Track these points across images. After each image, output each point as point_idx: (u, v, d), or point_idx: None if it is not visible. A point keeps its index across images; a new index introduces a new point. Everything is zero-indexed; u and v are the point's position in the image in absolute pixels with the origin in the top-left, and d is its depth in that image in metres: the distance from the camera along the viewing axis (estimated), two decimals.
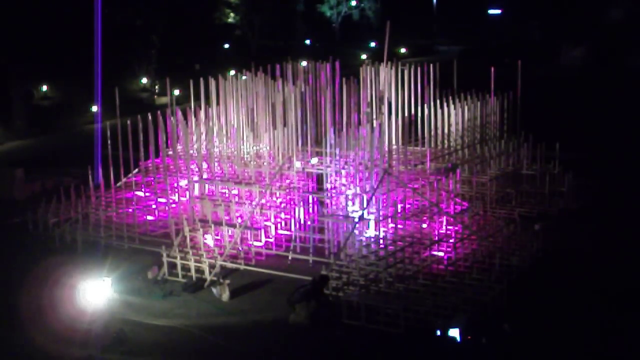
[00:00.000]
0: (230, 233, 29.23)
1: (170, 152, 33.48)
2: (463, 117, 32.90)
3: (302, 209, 30.80)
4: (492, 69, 33.21)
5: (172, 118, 33.06)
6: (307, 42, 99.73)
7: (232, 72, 36.17)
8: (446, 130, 32.90)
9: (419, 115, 33.16)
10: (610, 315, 23.77)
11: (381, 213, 28.60)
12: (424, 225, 29.49)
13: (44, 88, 64.37)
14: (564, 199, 33.77)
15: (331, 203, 30.07)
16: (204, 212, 30.34)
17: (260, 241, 29.57)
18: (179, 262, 27.71)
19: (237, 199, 30.63)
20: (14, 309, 24.96)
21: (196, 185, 31.87)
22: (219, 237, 29.58)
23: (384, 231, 28.70)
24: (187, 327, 23.85)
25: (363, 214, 28.33)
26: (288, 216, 30.79)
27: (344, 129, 31.08)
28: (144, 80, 68.59)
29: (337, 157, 30.05)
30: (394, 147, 32.03)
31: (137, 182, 33.79)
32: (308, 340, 23.00)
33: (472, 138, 33.32)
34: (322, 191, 30.65)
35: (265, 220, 30.19)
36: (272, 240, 29.90)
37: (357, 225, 28.09)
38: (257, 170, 31.10)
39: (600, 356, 21.87)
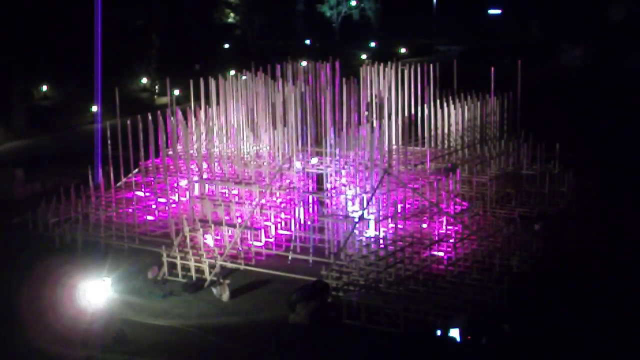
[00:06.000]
0: (230, 233, 29.22)
1: (170, 152, 33.48)
2: (463, 117, 32.90)
3: (302, 209, 30.79)
4: (492, 69, 33.20)
5: (172, 118, 33.06)
6: (307, 42, 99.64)
7: (232, 72, 36.18)
8: (446, 130, 32.90)
9: (419, 115, 33.15)
10: (610, 315, 23.78)
11: (381, 213, 28.60)
12: (424, 225, 29.49)
13: (44, 88, 64.32)
14: (564, 199, 33.76)
15: (331, 203, 30.06)
16: (204, 212, 30.34)
17: (260, 241, 29.56)
18: (179, 262, 27.70)
19: (237, 199, 30.62)
20: (14, 308, 24.96)
21: (196, 185, 31.86)
22: (219, 237, 29.58)
23: (384, 231, 28.69)
24: (187, 327, 23.85)
25: (363, 214, 28.32)
26: (288, 216, 30.78)
27: (344, 129, 31.08)
28: (144, 80, 68.51)
29: (337, 157, 30.04)
30: (394, 147, 32.02)
31: (137, 182, 33.79)
32: (308, 340, 23.02)
33: (472, 138, 33.32)
34: (322, 191, 30.65)
35: (265, 220, 30.18)
36: (272, 240, 29.89)
37: (357, 225, 28.08)
38: (257, 170, 31.09)
39: (600, 356, 21.87)
